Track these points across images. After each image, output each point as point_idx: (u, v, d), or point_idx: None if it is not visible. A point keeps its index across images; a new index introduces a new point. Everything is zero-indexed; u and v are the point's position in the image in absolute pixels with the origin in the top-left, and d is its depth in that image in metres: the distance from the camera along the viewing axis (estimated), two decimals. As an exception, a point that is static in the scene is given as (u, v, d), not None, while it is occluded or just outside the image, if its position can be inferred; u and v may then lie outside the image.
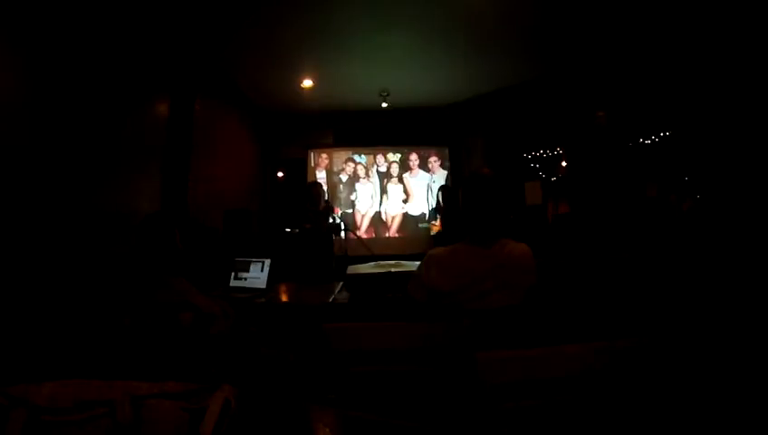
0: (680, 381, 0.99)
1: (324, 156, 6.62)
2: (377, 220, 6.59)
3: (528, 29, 4.03)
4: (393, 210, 6.60)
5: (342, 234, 4.94)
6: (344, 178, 6.60)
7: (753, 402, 0.93)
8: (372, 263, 2.65)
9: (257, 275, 2.60)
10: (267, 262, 2.60)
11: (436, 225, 5.16)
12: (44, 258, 2.18)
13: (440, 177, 6.63)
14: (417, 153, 6.66)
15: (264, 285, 2.55)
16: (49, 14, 2.35)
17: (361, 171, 6.61)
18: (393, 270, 2.41)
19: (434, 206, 5.72)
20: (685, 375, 1.01)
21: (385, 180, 6.63)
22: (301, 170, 6.51)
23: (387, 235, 6.56)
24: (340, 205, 6.44)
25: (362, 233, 6.37)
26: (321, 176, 6.49)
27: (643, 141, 4.72)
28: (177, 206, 3.74)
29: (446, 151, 6.70)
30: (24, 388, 0.65)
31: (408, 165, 6.66)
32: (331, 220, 4.64)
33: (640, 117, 4.65)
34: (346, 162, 6.61)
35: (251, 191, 5.92)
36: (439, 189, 5.10)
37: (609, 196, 4.78)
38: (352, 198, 6.58)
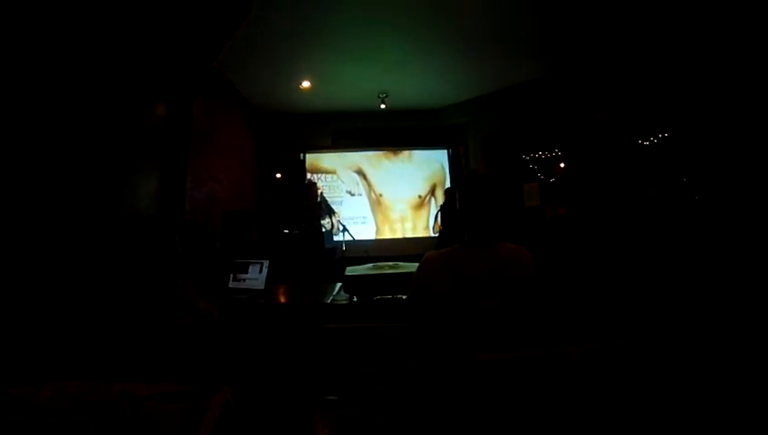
0: (678, 382, 1.00)
1: (324, 174, 6.63)
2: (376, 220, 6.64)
3: (526, 31, 4.04)
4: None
5: (342, 235, 4.95)
6: (344, 181, 6.63)
7: (749, 402, 0.94)
8: (371, 264, 2.65)
9: (255, 277, 2.60)
10: (266, 263, 2.61)
11: (438, 226, 5.17)
12: (43, 260, 2.18)
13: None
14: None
15: (262, 286, 2.56)
16: (48, 16, 2.35)
17: (360, 189, 6.65)
18: (391, 271, 2.41)
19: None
20: (682, 376, 1.01)
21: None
22: (299, 172, 6.51)
23: (386, 235, 6.59)
24: (340, 205, 6.47)
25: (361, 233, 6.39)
26: (323, 178, 6.52)
27: (642, 143, 4.73)
28: (175, 207, 3.74)
29: (445, 153, 6.74)
30: (23, 389, 0.65)
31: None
32: (333, 222, 4.66)
33: (639, 118, 4.66)
34: (345, 180, 6.65)
35: (249, 192, 5.92)
36: (445, 192, 5.11)
37: (607, 197, 4.79)
38: (352, 199, 6.61)
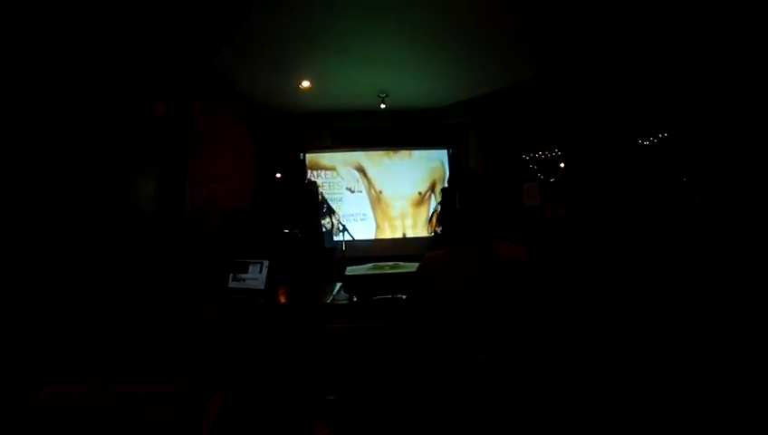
0: (673, 381, 1.00)
1: (324, 171, 6.65)
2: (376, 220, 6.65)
3: (526, 30, 4.04)
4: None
5: (341, 235, 4.96)
6: (344, 178, 6.64)
7: (748, 402, 0.94)
8: (370, 264, 2.66)
9: (256, 277, 2.60)
10: (266, 263, 2.61)
11: (434, 226, 5.16)
12: (42, 260, 2.18)
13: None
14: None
15: (262, 286, 2.56)
16: (48, 17, 2.35)
17: (360, 186, 6.66)
18: (391, 271, 2.41)
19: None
20: (677, 375, 1.01)
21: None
22: (299, 171, 6.50)
23: (385, 232, 6.61)
24: (339, 202, 6.48)
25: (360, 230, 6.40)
26: (322, 175, 6.54)
27: (642, 143, 4.73)
28: (175, 208, 3.74)
29: (445, 151, 6.75)
30: (23, 389, 0.65)
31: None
32: (333, 222, 4.66)
33: (638, 118, 4.66)
34: (345, 177, 6.66)
35: (249, 192, 5.92)
36: (441, 191, 5.10)
37: (607, 197, 4.79)
38: (352, 196, 6.62)
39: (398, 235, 6.53)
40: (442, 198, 5.06)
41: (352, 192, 6.60)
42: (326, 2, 3.44)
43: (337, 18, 3.70)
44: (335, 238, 4.88)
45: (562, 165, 5.57)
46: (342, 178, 6.61)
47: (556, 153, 5.63)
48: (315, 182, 5.15)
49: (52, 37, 2.41)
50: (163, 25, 3.48)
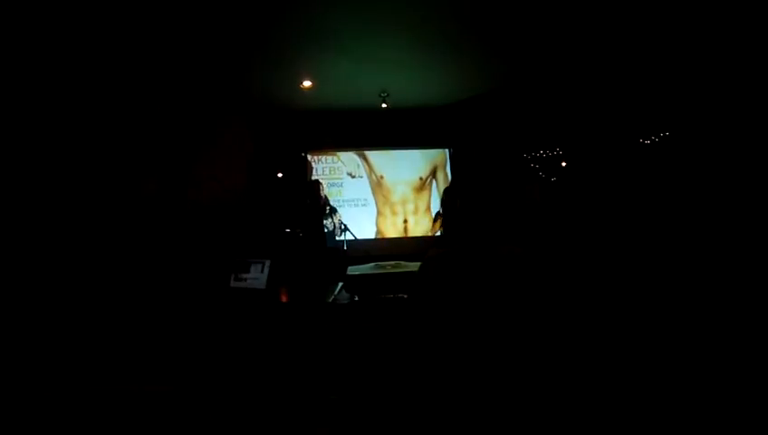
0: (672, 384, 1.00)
1: (325, 156, 6.66)
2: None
3: (528, 28, 4.03)
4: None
5: (343, 235, 4.95)
6: (345, 163, 6.65)
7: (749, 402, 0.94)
8: (372, 263, 2.66)
9: (257, 276, 2.59)
10: (267, 263, 2.60)
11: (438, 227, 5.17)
12: (47, 257, 2.19)
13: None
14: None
15: (263, 286, 2.55)
16: (57, 22, 2.35)
17: (361, 171, 6.67)
18: (393, 270, 2.41)
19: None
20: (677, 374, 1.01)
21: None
22: (300, 170, 6.52)
23: (387, 217, 6.63)
24: (339, 205, 6.47)
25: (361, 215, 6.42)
26: (323, 160, 6.57)
27: (643, 141, 4.72)
28: (176, 207, 3.74)
29: (447, 152, 6.76)
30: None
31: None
32: (335, 222, 4.66)
33: (639, 117, 4.65)
34: (346, 162, 6.68)
35: (250, 192, 5.93)
36: (444, 191, 5.10)
37: (607, 195, 4.79)
38: (353, 181, 6.63)
39: (400, 220, 6.54)
40: (444, 199, 5.06)
41: (353, 177, 6.61)
42: (327, 2, 3.43)
43: (338, 18, 3.70)
44: (337, 238, 4.88)
45: (563, 164, 5.57)
46: (343, 164, 6.63)
47: (557, 152, 5.63)
48: (319, 181, 5.15)
49: (61, 42, 2.41)
50: (167, 24, 3.48)
